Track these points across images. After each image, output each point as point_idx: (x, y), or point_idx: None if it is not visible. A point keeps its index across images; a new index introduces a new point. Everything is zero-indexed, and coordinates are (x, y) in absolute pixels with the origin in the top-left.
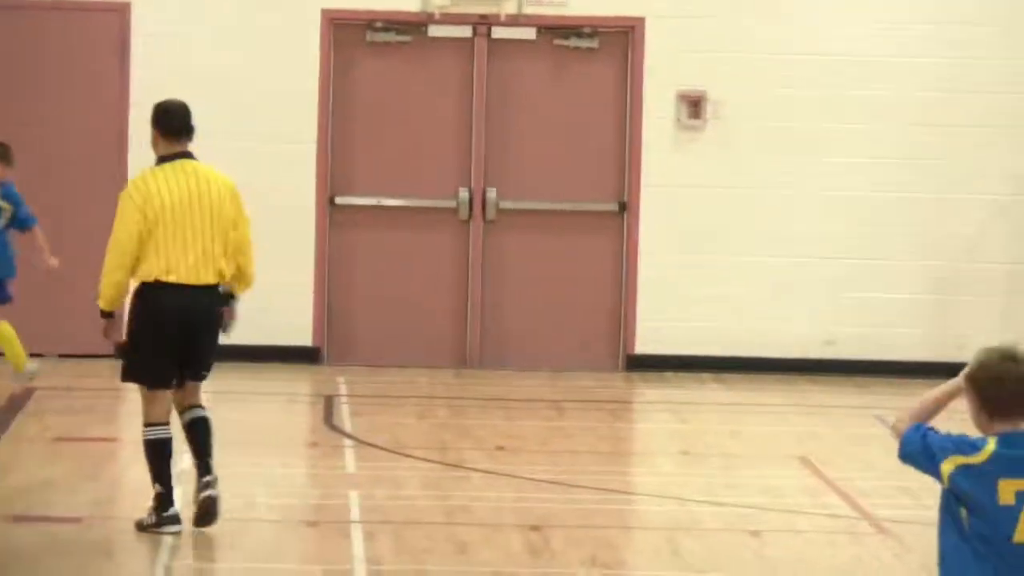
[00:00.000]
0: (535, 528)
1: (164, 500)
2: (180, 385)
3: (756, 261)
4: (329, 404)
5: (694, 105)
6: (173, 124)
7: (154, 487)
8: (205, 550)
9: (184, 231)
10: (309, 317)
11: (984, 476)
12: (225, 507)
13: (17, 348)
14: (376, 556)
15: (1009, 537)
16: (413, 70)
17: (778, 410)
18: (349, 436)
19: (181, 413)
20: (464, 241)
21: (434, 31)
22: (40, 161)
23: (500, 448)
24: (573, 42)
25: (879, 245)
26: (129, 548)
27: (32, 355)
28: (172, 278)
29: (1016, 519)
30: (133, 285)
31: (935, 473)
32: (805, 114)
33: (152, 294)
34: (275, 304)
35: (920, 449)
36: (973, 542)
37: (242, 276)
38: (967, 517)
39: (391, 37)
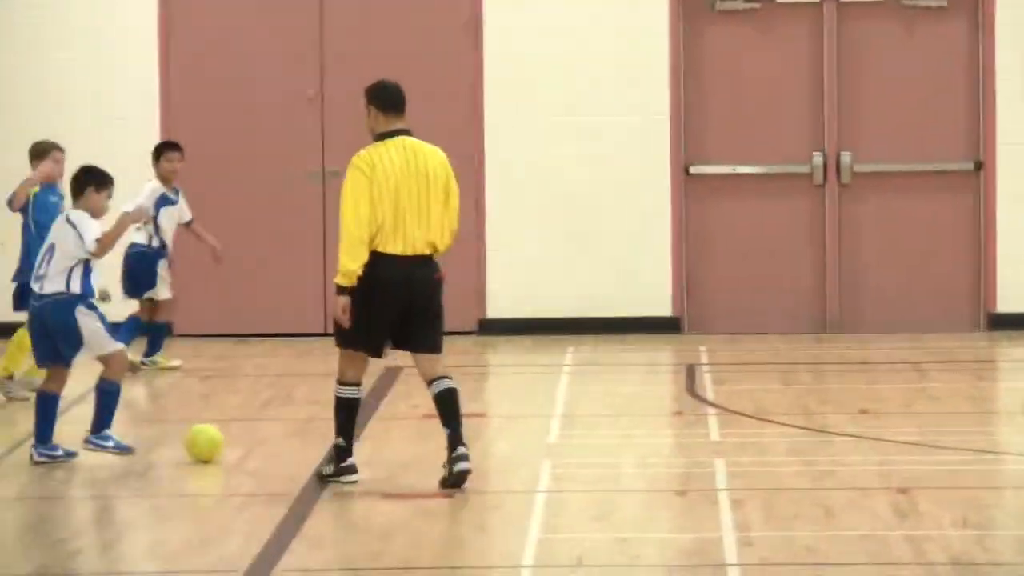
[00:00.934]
0: (902, 491)
1: (342, 451)
2: (414, 355)
3: None
4: (691, 373)
5: None
6: (391, 100)
7: (336, 439)
8: (576, 521)
9: (405, 203)
10: (668, 287)
11: None
12: (594, 477)
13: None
14: (744, 523)
15: None
16: (762, 36)
17: None
18: (712, 404)
19: (428, 385)
20: (820, 205)
21: None
22: None
23: (863, 411)
24: (923, 1)
25: None
26: (501, 522)
27: None
28: (392, 249)
29: None
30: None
31: None
32: None
33: (372, 263)
34: (635, 275)
35: None
36: None
37: (444, 250)
38: None
39: (739, 4)
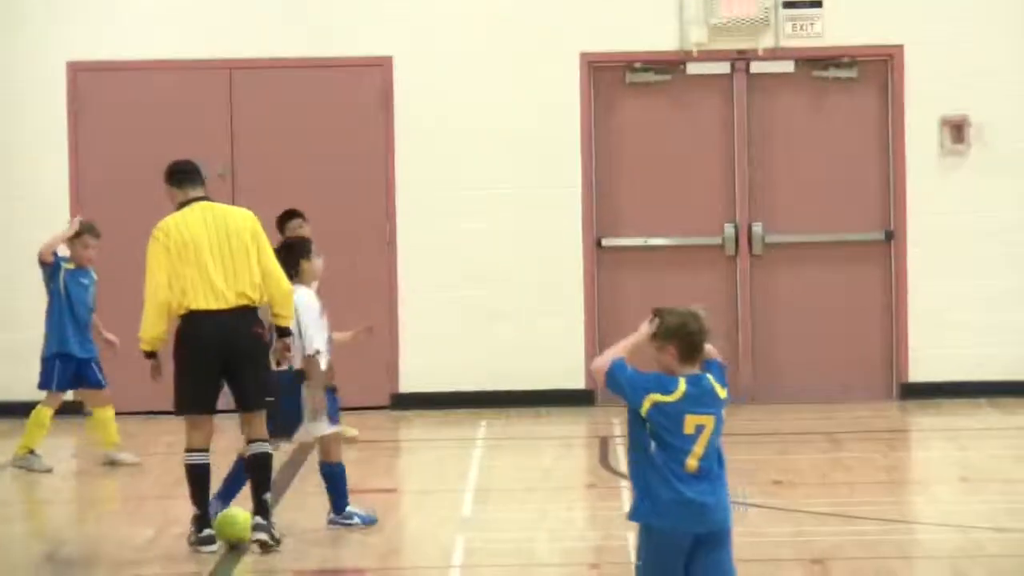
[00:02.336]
0: (816, 561)
1: (200, 521)
2: (240, 414)
3: None
4: (604, 445)
5: (957, 129)
6: (183, 173)
7: (193, 508)
8: None
9: (207, 259)
10: (581, 360)
11: (675, 411)
12: (507, 552)
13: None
14: None
15: (683, 465)
16: (673, 108)
17: None
18: (626, 476)
19: (247, 444)
20: (732, 277)
21: (693, 69)
22: (310, 214)
23: (777, 482)
24: (832, 72)
25: None
26: None
27: None
28: (204, 305)
29: (691, 448)
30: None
31: (637, 405)
32: None
33: (185, 324)
34: (547, 348)
35: (628, 382)
36: (656, 468)
37: (275, 302)
38: (654, 448)
39: (650, 77)
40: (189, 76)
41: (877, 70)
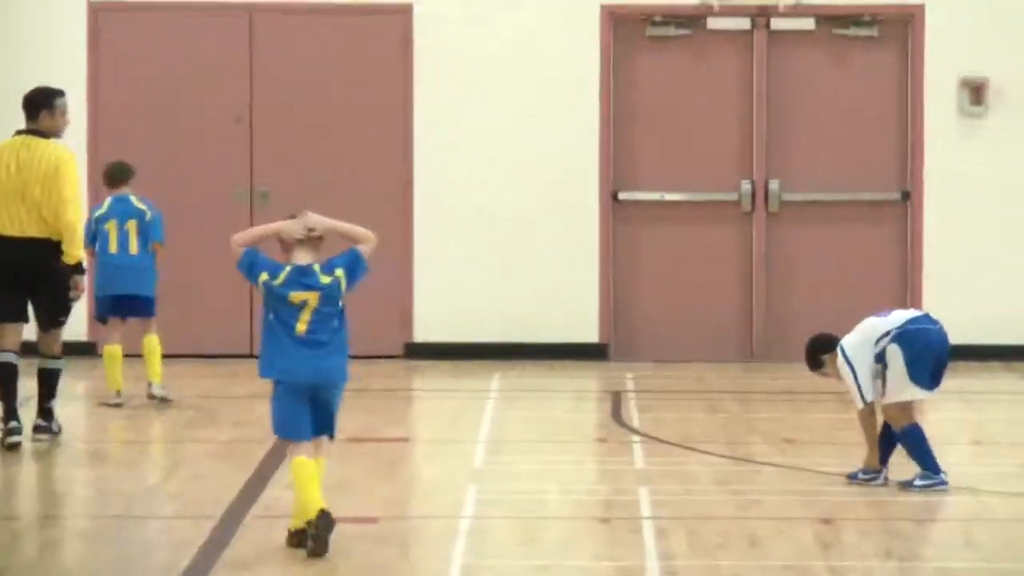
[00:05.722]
0: (826, 521)
1: (8, 415)
2: (38, 333)
3: None
4: (617, 400)
5: (976, 91)
6: (25, 104)
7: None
8: (500, 548)
9: (13, 190)
10: (595, 314)
11: (281, 291)
12: (518, 503)
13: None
14: (668, 552)
15: (293, 328)
16: (693, 63)
17: None
18: (637, 432)
19: (41, 358)
20: (747, 234)
21: (713, 24)
22: (328, 161)
23: (789, 441)
24: (852, 31)
25: None
26: (425, 547)
27: None
28: (5, 231)
29: (298, 316)
30: None
31: (255, 281)
32: None
33: None
34: (561, 301)
35: (248, 264)
36: (276, 331)
37: (62, 239)
38: (272, 316)
39: (670, 31)
40: (209, 19)
41: (897, 29)
